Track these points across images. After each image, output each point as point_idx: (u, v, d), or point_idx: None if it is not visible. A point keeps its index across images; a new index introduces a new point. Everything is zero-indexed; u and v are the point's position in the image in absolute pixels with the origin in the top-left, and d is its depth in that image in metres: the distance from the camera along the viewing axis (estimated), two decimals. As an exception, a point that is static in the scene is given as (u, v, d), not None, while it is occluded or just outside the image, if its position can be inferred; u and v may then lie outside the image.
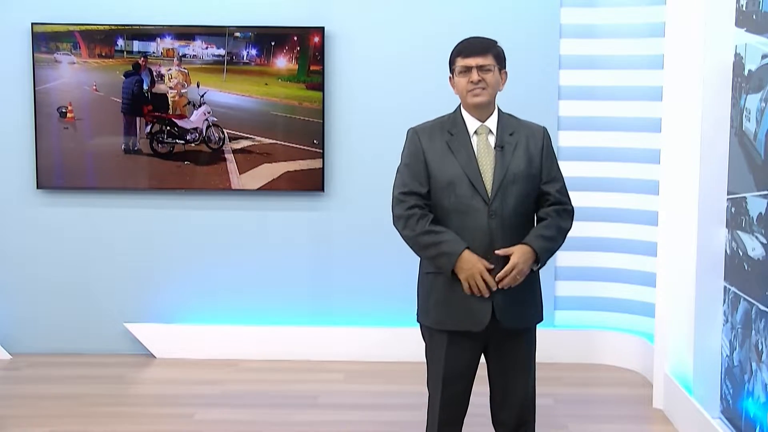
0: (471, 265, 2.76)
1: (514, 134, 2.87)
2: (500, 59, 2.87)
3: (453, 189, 2.81)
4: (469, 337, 2.85)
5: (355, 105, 5.02)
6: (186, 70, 4.98)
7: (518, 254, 2.77)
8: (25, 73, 4.99)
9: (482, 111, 2.86)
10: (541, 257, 2.81)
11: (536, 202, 2.91)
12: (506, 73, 2.90)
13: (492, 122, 2.87)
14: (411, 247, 2.89)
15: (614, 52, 4.91)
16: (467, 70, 2.82)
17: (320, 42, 4.93)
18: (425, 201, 2.85)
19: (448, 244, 2.77)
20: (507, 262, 2.78)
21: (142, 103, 5.00)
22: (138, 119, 5.02)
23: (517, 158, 2.83)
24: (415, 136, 2.90)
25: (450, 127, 2.88)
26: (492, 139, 2.86)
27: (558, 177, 2.93)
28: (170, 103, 5.00)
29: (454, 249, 2.76)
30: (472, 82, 2.81)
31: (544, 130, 2.95)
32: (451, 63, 2.88)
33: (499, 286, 2.77)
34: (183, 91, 4.99)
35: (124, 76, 4.98)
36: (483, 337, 2.86)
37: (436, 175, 2.83)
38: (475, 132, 2.86)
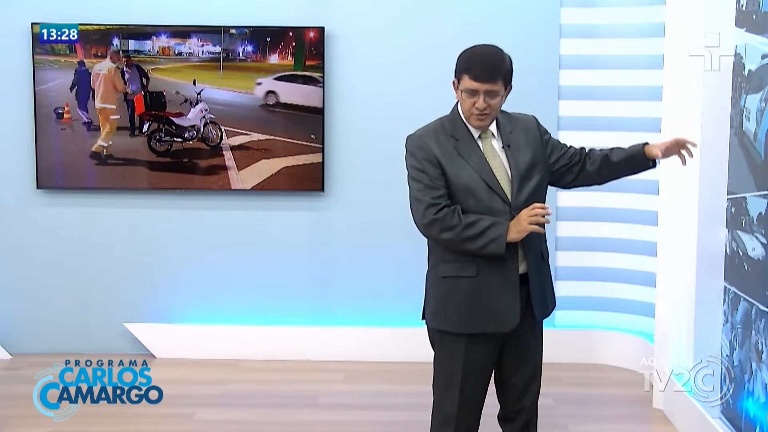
0: (518, 227, 2.72)
1: (513, 131, 2.87)
2: (508, 78, 2.79)
3: (470, 193, 2.77)
4: (490, 337, 2.84)
5: (355, 106, 5.01)
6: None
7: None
8: (25, 74, 4.98)
9: None
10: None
11: (559, 180, 2.98)
12: (511, 86, 2.83)
13: (492, 125, 2.87)
14: (453, 247, 2.79)
15: (614, 52, 4.91)
16: (474, 93, 2.75)
17: (315, 37, 4.92)
18: (449, 201, 2.79)
19: (492, 229, 2.72)
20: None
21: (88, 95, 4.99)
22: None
23: (524, 153, 2.85)
24: (420, 141, 2.82)
25: (453, 132, 2.83)
26: (495, 141, 2.86)
27: (565, 145, 3.00)
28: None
29: (499, 232, 2.72)
30: (477, 107, 2.75)
31: (535, 118, 2.98)
32: (458, 72, 2.79)
33: None
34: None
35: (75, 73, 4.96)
36: (504, 335, 2.86)
37: (452, 179, 2.78)
38: (479, 136, 2.85)
